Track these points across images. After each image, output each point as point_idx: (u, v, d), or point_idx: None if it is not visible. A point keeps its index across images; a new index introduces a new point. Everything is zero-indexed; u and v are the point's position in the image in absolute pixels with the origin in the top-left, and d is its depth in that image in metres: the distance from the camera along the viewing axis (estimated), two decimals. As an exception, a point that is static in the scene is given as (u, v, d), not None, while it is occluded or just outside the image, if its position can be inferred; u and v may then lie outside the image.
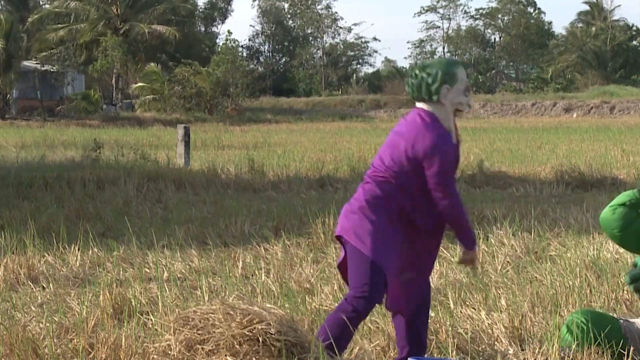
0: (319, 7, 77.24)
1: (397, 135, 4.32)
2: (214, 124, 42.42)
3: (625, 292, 5.78)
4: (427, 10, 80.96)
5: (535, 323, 5.09)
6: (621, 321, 4.54)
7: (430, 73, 4.34)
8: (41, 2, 63.20)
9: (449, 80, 4.33)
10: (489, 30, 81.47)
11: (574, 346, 4.39)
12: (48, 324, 5.03)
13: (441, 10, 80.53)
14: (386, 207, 4.25)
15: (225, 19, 74.98)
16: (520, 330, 4.93)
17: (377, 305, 5.40)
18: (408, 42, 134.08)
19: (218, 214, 10.21)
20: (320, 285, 6.23)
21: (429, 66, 4.38)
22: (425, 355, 4.56)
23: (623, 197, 4.52)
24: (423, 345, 4.42)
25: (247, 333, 3.83)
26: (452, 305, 5.52)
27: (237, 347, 3.83)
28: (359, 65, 78.71)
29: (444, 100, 4.32)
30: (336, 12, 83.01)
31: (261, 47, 78.72)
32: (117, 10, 54.54)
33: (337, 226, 4.37)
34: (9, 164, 15.72)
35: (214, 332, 3.88)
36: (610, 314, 4.81)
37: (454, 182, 4.34)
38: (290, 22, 79.17)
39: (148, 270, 7.02)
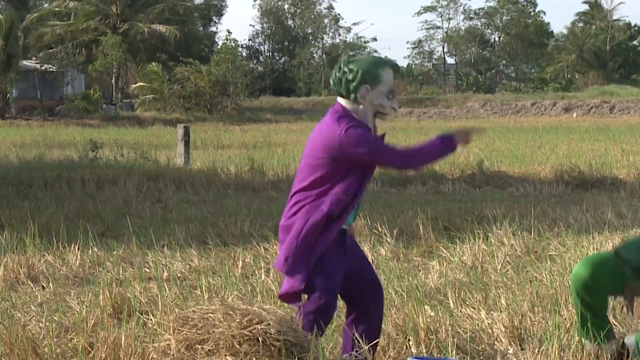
0: (321, 7, 77.30)
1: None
2: (214, 124, 42.42)
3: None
4: (426, 10, 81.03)
5: (535, 323, 5.09)
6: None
7: (352, 69, 4.06)
8: (41, 1, 63.17)
9: (371, 80, 4.05)
10: (489, 30, 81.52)
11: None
12: (48, 324, 5.03)
13: (441, 10, 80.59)
14: None
15: (221, 16, 75.09)
16: (520, 330, 4.93)
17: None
18: (407, 42, 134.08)
19: (218, 214, 10.21)
20: (320, 285, 6.23)
21: (354, 62, 4.09)
22: (426, 355, 4.56)
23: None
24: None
25: (247, 333, 3.83)
26: (451, 305, 5.52)
27: (237, 346, 3.83)
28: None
29: (362, 100, 4.06)
30: (338, 14, 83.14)
31: (261, 46, 78.79)
32: (116, 9, 54.54)
33: None
34: (9, 163, 15.72)
35: (213, 331, 3.87)
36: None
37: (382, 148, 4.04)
38: (290, 21, 79.22)
39: (148, 270, 7.02)
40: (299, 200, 4.11)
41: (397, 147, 4.14)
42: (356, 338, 4.16)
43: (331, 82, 4.19)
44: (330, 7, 78.77)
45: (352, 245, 4.26)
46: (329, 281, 4.07)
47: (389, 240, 7.90)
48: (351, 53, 4.33)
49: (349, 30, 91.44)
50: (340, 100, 4.13)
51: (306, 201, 4.08)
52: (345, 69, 4.09)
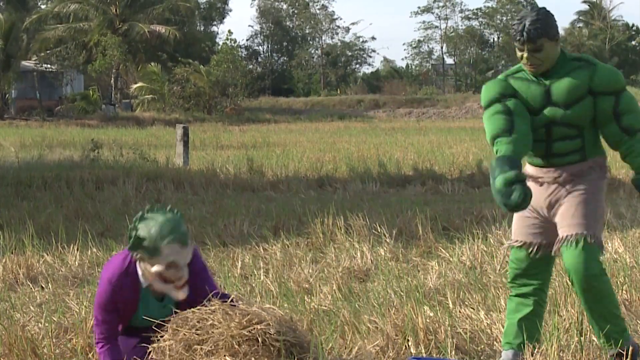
0: (316, 6, 77.27)
1: None
2: (213, 124, 42.42)
3: (624, 292, 5.78)
4: (423, 11, 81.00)
5: (534, 323, 5.09)
6: None
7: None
8: (39, 2, 63.15)
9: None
10: (488, 30, 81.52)
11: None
12: (47, 324, 5.03)
13: (437, 11, 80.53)
14: None
15: (223, 18, 75.08)
16: (519, 330, 4.92)
17: (374, 305, 5.39)
18: (404, 44, 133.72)
19: (217, 214, 10.20)
20: (319, 285, 6.23)
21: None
22: (425, 355, 4.57)
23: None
24: None
25: (246, 333, 3.83)
26: (451, 305, 5.52)
27: (236, 347, 3.82)
28: (357, 65, 78.77)
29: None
30: (333, 12, 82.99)
31: (260, 47, 78.77)
32: (116, 10, 54.53)
33: None
34: (8, 163, 15.72)
35: (212, 332, 3.87)
36: None
37: (101, 334, 4.03)
38: (289, 22, 79.19)
39: (147, 270, 7.01)
40: None
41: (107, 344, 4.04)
42: None
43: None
44: (324, 7, 78.31)
45: None
46: None
47: (388, 240, 7.90)
48: None
49: (347, 30, 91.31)
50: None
51: None
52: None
